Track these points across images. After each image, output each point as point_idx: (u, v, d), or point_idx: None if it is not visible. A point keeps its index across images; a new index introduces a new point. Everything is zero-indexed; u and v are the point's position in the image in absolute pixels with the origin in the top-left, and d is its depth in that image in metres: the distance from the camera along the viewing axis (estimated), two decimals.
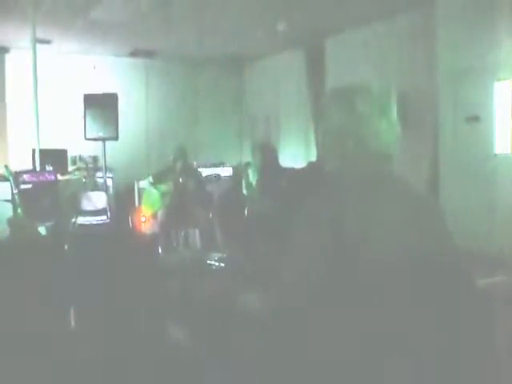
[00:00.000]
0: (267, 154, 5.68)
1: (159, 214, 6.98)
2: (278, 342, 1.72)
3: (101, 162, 8.40)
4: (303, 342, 1.67)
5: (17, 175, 7.62)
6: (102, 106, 7.89)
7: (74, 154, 9.57)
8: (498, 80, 6.19)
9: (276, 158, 5.78)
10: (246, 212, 5.69)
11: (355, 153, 1.77)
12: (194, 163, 8.47)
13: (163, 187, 7.31)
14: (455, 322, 1.70)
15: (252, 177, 5.80)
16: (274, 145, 5.92)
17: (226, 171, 9.59)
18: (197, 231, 4.67)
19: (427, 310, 1.68)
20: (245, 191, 6.07)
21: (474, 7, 6.39)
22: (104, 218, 7.78)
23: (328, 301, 1.64)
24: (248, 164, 6.32)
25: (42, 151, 6.87)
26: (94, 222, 7.71)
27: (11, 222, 3.07)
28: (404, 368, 1.65)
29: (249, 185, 5.92)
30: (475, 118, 6.47)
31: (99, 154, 8.36)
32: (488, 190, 6.26)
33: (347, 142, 1.77)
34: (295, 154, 9.59)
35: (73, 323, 3.71)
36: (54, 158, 8.55)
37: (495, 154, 6.26)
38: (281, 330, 1.70)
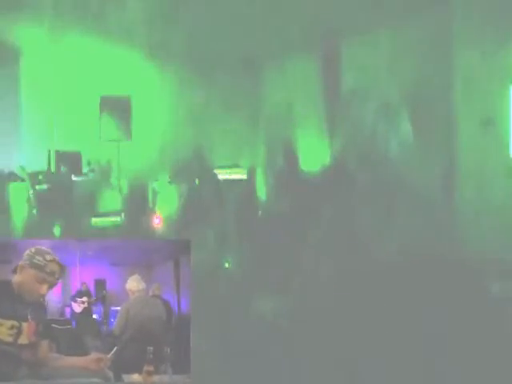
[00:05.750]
0: (289, 157, 5.62)
1: (174, 215, 6.99)
2: (292, 345, 1.72)
3: (115, 164, 8.43)
4: (321, 344, 1.66)
5: (32, 176, 7.69)
6: (116, 107, 7.94)
7: (88, 156, 9.60)
8: None
9: (297, 161, 5.72)
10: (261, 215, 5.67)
11: (365, 156, 1.77)
12: (210, 164, 8.49)
13: (178, 188, 7.32)
14: (467, 325, 1.69)
15: (267, 180, 5.79)
16: (295, 147, 5.87)
17: (239, 173, 9.58)
18: (212, 233, 4.67)
19: (439, 312, 1.67)
20: (260, 194, 6.06)
21: (490, 7, 6.34)
22: (118, 219, 7.81)
23: (342, 301, 1.64)
24: (264, 167, 6.30)
25: (57, 153, 6.92)
26: (108, 224, 7.73)
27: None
28: (416, 369, 1.65)
29: (265, 187, 5.90)
30: (490, 121, 6.41)
31: (113, 155, 8.39)
32: (504, 193, 6.20)
33: (357, 147, 1.77)
34: (310, 157, 9.57)
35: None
36: (69, 159, 8.60)
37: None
38: (295, 334, 1.70)
